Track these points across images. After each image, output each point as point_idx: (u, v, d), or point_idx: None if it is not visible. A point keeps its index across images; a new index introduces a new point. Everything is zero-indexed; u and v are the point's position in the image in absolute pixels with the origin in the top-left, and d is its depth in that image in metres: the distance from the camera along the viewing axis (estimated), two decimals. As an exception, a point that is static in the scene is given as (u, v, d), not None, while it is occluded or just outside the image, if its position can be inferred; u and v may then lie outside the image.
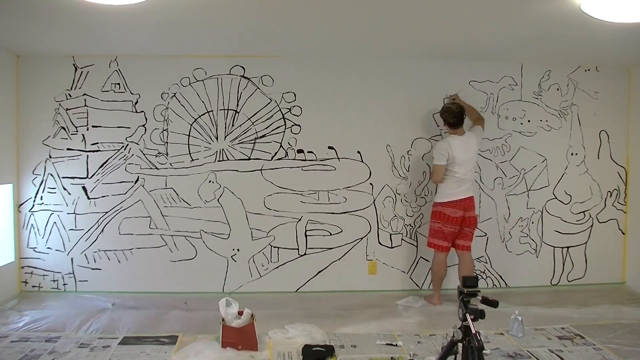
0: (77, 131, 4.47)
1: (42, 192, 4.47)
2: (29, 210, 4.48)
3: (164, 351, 3.29)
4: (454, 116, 4.22)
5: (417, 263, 4.71)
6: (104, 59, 4.44)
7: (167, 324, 3.79)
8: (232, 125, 4.54)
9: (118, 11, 3.14)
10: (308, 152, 4.58)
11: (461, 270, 4.28)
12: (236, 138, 4.55)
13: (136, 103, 4.48)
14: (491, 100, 4.69)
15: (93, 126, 4.47)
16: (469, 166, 4.22)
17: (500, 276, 4.78)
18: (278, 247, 4.61)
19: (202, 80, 4.50)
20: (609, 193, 4.85)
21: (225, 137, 4.54)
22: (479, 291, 2.48)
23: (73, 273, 4.51)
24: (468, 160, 4.20)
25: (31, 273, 4.50)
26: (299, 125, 4.56)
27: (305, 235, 4.61)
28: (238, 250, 4.58)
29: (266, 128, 4.55)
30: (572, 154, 4.79)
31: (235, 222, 4.56)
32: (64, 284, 4.51)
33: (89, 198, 4.48)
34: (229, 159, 4.54)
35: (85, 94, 4.45)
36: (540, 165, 4.77)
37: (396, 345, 3.39)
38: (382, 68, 4.59)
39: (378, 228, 4.66)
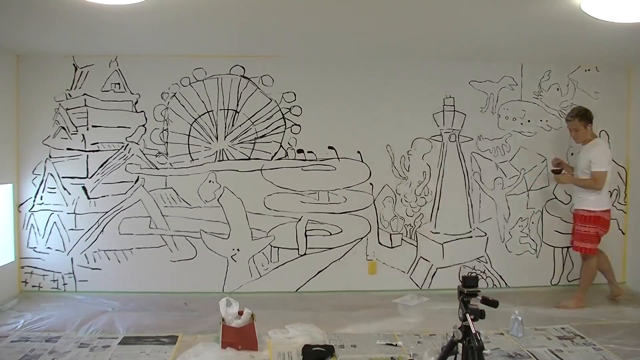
0: (77, 131, 4.47)
1: (42, 192, 4.47)
2: (29, 210, 4.48)
3: (164, 351, 3.29)
4: (592, 113, 4.16)
5: (417, 263, 4.71)
6: (104, 59, 4.44)
7: (167, 324, 3.79)
8: (232, 125, 4.54)
9: (118, 11, 3.15)
10: (308, 152, 4.58)
11: (602, 264, 4.33)
12: (236, 138, 4.55)
13: (136, 103, 4.48)
14: (491, 100, 4.70)
15: (93, 126, 4.47)
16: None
17: (500, 276, 4.78)
18: (278, 247, 4.60)
19: (202, 80, 4.50)
20: (609, 193, 4.84)
21: (225, 137, 4.54)
22: (479, 291, 2.48)
23: (73, 273, 4.51)
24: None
25: (31, 273, 4.50)
26: (299, 125, 4.56)
27: (305, 235, 4.61)
28: (238, 250, 4.58)
29: (266, 128, 4.55)
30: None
31: (235, 222, 4.56)
32: (64, 284, 4.51)
33: (89, 198, 4.48)
34: (229, 159, 4.54)
35: (85, 94, 4.45)
36: (540, 165, 4.77)
37: (396, 345, 3.39)
38: (382, 68, 4.59)
39: (378, 228, 4.66)
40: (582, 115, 4.15)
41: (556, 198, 4.80)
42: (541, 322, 3.84)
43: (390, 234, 4.68)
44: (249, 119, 4.54)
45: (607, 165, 4.06)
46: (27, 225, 4.49)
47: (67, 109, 4.45)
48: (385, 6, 3.17)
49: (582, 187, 4.17)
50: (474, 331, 2.36)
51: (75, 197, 4.48)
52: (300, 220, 4.60)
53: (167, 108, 4.50)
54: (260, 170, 4.56)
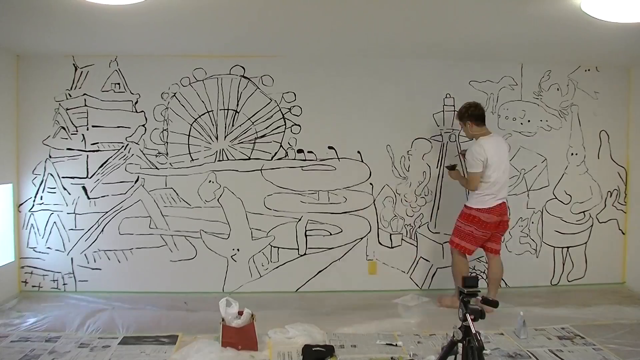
0: (77, 131, 4.47)
1: (42, 192, 4.47)
2: (29, 210, 4.48)
3: (164, 351, 3.29)
4: (478, 109, 4.00)
5: (417, 263, 4.71)
6: (104, 59, 4.44)
7: (167, 324, 3.79)
8: (232, 125, 4.54)
9: (118, 11, 3.14)
10: (308, 152, 4.58)
11: (491, 274, 4.15)
12: (236, 138, 4.55)
13: (136, 103, 4.48)
14: (491, 100, 4.69)
15: (93, 126, 4.47)
16: (503, 168, 3.98)
17: (500, 276, 4.78)
18: (278, 247, 4.61)
19: (202, 80, 4.50)
20: (609, 193, 4.85)
21: (225, 137, 4.54)
22: (479, 291, 2.49)
23: (73, 273, 4.51)
24: (502, 162, 3.97)
25: (31, 273, 4.50)
26: (299, 125, 4.56)
27: (305, 235, 4.61)
28: (238, 250, 4.58)
29: (266, 128, 4.56)
30: (572, 154, 4.79)
31: (235, 222, 4.56)
32: (64, 284, 4.51)
33: (89, 198, 4.48)
34: (229, 158, 4.54)
35: (85, 94, 4.45)
36: (540, 165, 4.77)
37: (396, 345, 3.39)
38: (383, 68, 4.59)
39: (378, 228, 4.66)
40: (459, 114, 4.11)
41: (556, 198, 4.80)
42: (541, 322, 3.84)
43: (390, 234, 4.68)
44: (249, 119, 4.54)
45: (478, 167, 3.92)
46: (27, 225, 4.49)
47: (67, 109, 4.45)
48: (385, 6, 3.17)
49: (463, 185, 4.23)
50: (474, 331, 2.37)
51: (75, 197, 4.48)
52: (300, 220, 4.60)
53: (167, 108, 4.50)
54: (260, 170, 4.56)
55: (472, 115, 4.01)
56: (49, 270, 4.50)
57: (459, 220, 4.13)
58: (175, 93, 4.50)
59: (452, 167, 4.28)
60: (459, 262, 4.13)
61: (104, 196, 4.48)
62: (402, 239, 4.69)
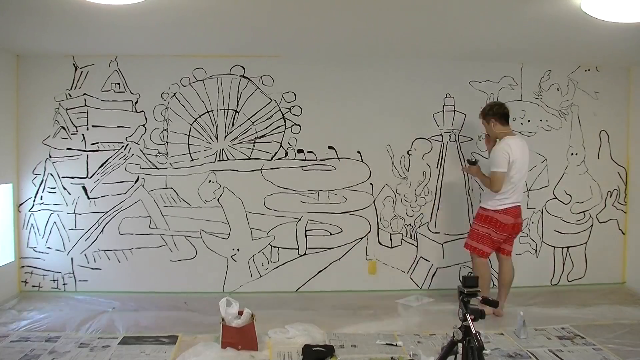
0: (77, 131, 4.47)
1: (42, 191, 4.47)
2: (29, 210, 4.48)
3: (164, 351, 3.29)
4: (502, 107, 3.92)
5: (417, 263, 4.71)
6: (104, 59, 4.44)
7: (167, 324, 3.79)
8: (232, 125, 4.54)
9: (118, 11, 3.14)
10: (308, 152, 4.58)
11: (503, 275, 4.04)
12: (236, 138, 4.55)
13: (136, 103, 4.48)
14: (491, 100, 4.69)
15: (93, 126, 4.47)
16: (524, 171, 3.93)
17: (500, 276, 4.78)
18: (278, 247, 4.61)
19: (202, 80, 4.50)
20: (609, 193, 4.85)
21: (225, 137, 4.54)
22: (479, 291, 2.49)
23: (73, 273, 4.51)
24: (524, 164, 3.91)
25: (31, 273, 4.50)
26: (299, 125, 4.56)
27: (305, 235, 4.61)
28: (238, 250, 4.58)
29: (266, 128, 4.56)
30: (572, 154, 4.79)
31: (235, 222, 4.56)
32: (64, 284, 4.51)
33: (89, 198, 4.48)
34: (229, 158, 4.54)
35: (85, 94, 4.45)
36: (540, 165, 4.77)
37: (396, 345, 3.39)
38: (383, 68, 4.59)
39: (378, 228, 4.66)
40: (483, 113, 4.01)
41: (556, 198, 4.80)
42: (541, 322, 3.84)
43: (390, 234, 4.68)
44: (249, 119, 4.54)
45: (503, 166, 3.80)
46: (27, 225, 4.49)
47: (67, 109, 4.45)
48: (385, 7, 3.17)
49: (483, 184, 4.07)
50: (474, 331, 2.37)
51: (75, 197, 4.48)
52: (300, 220, 4.60)
53: (167, 108, 4.50)
54: (260, 170, 4.56)
55: (497, 113, 3.92)
56: (49, 270, 4.50)
57: (475, 223, 4.03)
58: (175, 93, 4.50)
59: (473, 162, 4.18)
60: (479, 265, 3.98)
61: (104, 196, 4.48)
62: (402, 239, 4.69)
